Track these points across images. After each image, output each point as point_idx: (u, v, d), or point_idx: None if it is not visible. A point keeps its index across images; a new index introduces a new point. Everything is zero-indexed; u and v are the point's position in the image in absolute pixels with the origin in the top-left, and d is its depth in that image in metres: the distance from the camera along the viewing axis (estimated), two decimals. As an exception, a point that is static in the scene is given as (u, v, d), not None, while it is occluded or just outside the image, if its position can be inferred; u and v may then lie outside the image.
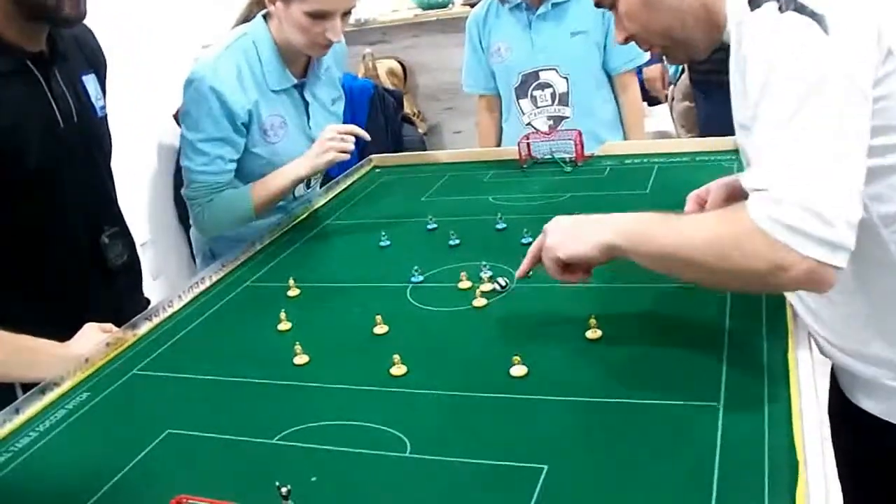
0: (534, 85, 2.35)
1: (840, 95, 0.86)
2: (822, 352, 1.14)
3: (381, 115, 3.75)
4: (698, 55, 1.19)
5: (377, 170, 2.28)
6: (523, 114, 2.38)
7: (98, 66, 1.66)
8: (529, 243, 1.52)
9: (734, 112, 1.07)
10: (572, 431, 0.99)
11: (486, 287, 1.38)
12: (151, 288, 3.02)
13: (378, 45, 4.29)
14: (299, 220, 1.93)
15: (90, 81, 1.60)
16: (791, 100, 0.87)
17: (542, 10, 2.29)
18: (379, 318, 1.31)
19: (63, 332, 1.36)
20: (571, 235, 1.11)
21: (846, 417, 1.17)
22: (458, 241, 1.62)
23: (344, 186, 2.15)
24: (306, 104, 1.90)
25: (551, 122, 2.35)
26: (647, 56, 1.23)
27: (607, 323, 1.20)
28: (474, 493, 0.90)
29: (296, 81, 1.86)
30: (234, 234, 1.88)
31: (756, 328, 1.14)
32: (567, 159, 2.04)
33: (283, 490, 0.88)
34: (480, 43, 2.41)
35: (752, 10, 0.93)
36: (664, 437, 0.95)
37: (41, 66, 1.46)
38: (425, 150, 3.74)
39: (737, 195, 1.15)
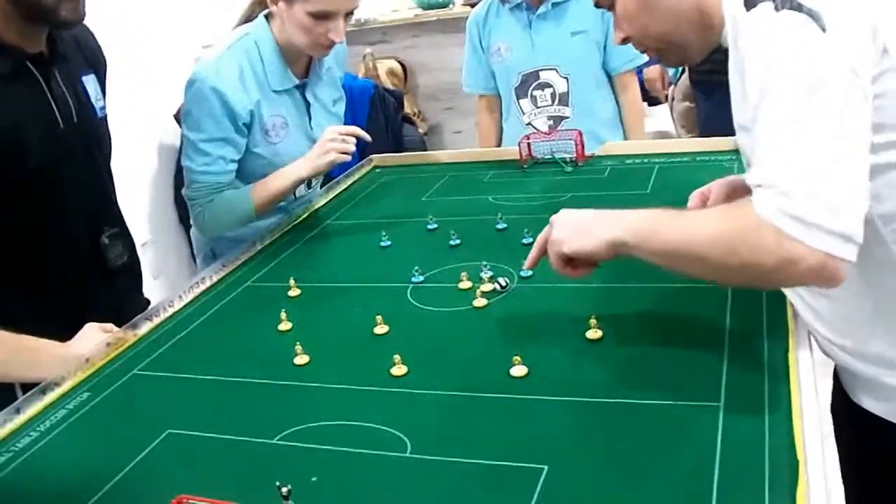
0: (534, 85, 2.35)
1: (840, 90, 0.86)
2: (822, 351, 1.14)
3: (382, 115, 3.75)
4: (693, 59, 1.20)
5: (377, 170, 2.28)
6: (523, 114, 2.38)
7: (98, 66, 1.66)
8: (530, 243, 1.53)
9: (734, 113, 1.07)
10: (572, 431, 0.99)
11: (487, 287, 1.38)
12: (152, 288, 3.02)
13: (378, 45, 4.29)
14: (300, 220, 1.93)
15: (90, 82, 1.60)
16: (792, 97, 0.87)
17: (542, 9, 2.29)
18: (379, 318, 1.31)
19: (63, 332, 1.36)
20: (577, 231, 1.11)
21: (848, 417, 1.17)
22: (458, 242, 1.62)
23: (344, 186, 2.15)
24: (308, 104, 1.90)
25: (551, 121, 2.35)
26: (647, 56, 1.23)
27: (608, 323, 1.20)
28: (475, 494, 0.90)
29: (297, 82, 1.86)
30: (234, 234, 1.88)
31: (756, 327, 1.14)
32: (567, 159, 2.04)
33: (284, 490, 0.88)
34: (480, 43, 2.41)
35: (747, 10, 0.93)
36: (664, 437, 0.95)
37: (41, 66, 1.46)
38: (426, 150, 3.74)
39: (738, 194, 1.15)
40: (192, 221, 1.92)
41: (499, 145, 2.48)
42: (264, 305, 1.47)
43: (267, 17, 1.82)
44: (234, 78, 1.76)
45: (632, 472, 0.90)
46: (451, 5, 4.16)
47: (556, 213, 1.19)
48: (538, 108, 2.36)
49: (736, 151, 1.73)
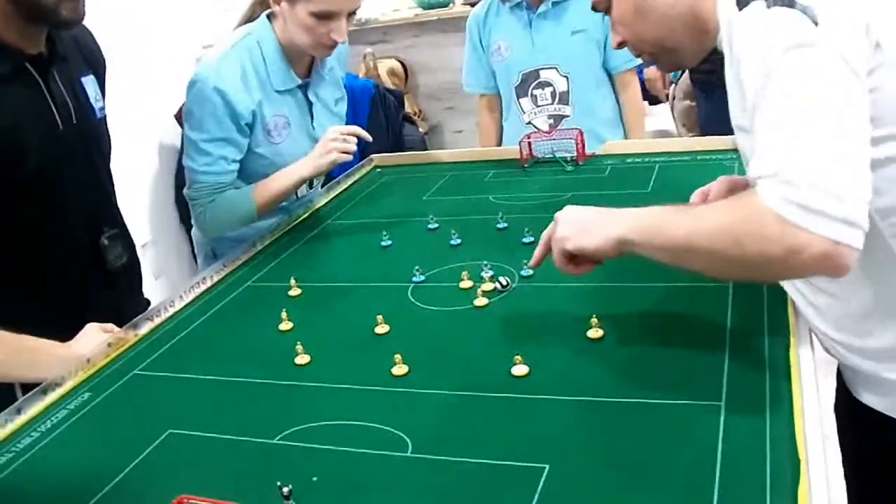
0: (534, 84, 2.34)
1: (837, 81, 0.86)
2: (824, 348, 1.14)
3: (382, 114, 3.75)
4: (687, 63, 1.20)
5: (378, 169, 2.28)
6: (523, 112, 2.38)
7: (97, 67, 1.66)
8: (531, 243, 1.54)
9: (732, 114, 1.07)
10: (574, 431, 0.99)
11: (488, 286, 1.38)
12: (153, 288, 3.02)
13: (379, 44, 4.29)
14: (300, 219, 1.93)
15: (89, 83, 1.60)
16: (789, 90, 0.87)
17: (542, 8, 2.29)
18: (380, 317, 1.31)
19: (63, 332, 1.35)
20: (581, 228, 1.11)
21: (851, 415, 1.17)
22: (459, 241, 1.62)
23: (345, 186, 2.15)
24: (310, 104, 1.90)
25: (551, 120, 2.35)
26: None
27: (609, 322, 1.20)
28: (476, 493, 0.90)
29: (300, 82, 1.86)
30: (236, 234, 1.88)
31: (758, 326, 1.14)
32: (568, 158, 2.04)
33: (285, 490, 0.88)
34: (481, 42, 2.41)
35: (740, 9, 0.94)
36: (666, 435, 0.95)
37: (40, 67, 1.46)
38: (426, 149, 3.74)
39: (740, 191, 1.15)
40: (192, 221, 1.92)
41: (499, 144, 2.48)
42: (265, 305, 1.47)
43: (269, 16, 1.82)
44: (237, 78, 1.76)
45: (633, 472, 0.90)
46: (451, 5, 4.16)
47: (557, 212, 1.19)
48: (538, 106, 2.36)
49: (737, 150, 1.72)
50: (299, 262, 1.67)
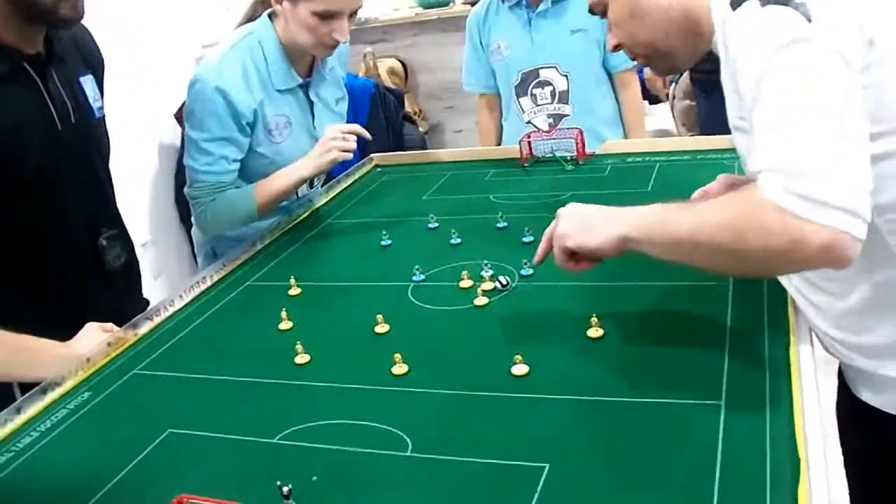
0: (534, 83, 2.34)
1: (834, 75, 0.87)
2: (824, 348, 1.14)
3: (382, 114, 3.75)
4: (680, 66, 1.21)
5: (378, 169, 2.28)
6: (523, 112, 2.38)
7: (96, 66, 1.66)
8: (531, 242, 1.54)
9: (729, 115, 1.07)
10: (574, 430, 0.99)
11: (488, 286, 1.38)
12: (152, 287, 3.02)
13: (379, 43, 4.29)
14: (300, 219, 1.93)
15: (87, 82, 1.60)
16: (787, 87, 0.87)
17: (541, 7, 2.28)
18: (380, 317, 1.31)
19: (62, 332, 1.35)
20: (582, 226, 1.11)
21: (852, 414, 1.17)
22: (459, 240, 1.62)
23: (345, 185, 2.15)
24: (311, 104, 1.90)
25: (551, 120, 2.35)
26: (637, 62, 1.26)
27: (609, 321, 1.20)
28: (476, 492, 0.90)
29: (301, 81, 1.86)
30: (236, 233, 1.88)
31: (757, 324, 1.14)
32: (568, 158, 2.04)
33: (285, 489, 0.88)
34: (480, 41, 2.41)
35: (733, 9, 0.94)
36: (665, 435, 0.95)
37: (38, 67, 1.46)
38: (426, 149, 3.74)
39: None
40: (193, 221, 1.92)
41: (499, 144, 2.48)
42: (265, 305, 1.46)
43: (270, 16, 1.82)
44: (238, 77, 1.76)
45: (633, 471, 0.90)
46: (451, 4, 4.16)
47: (559, 209, 1.18)
48: (538, 106, 2.36)
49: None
50: (299, 262, 1.67)
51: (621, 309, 1.25)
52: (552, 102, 2.34)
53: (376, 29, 4.25)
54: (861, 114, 0.87)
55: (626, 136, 2.38)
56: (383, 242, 1.67)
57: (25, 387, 1.25)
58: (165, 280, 3.32)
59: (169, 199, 3.44)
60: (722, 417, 0.95)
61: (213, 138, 1.76)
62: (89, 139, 1.58)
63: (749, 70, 0.91)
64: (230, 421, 1.10)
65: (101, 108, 1.64)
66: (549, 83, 2.34)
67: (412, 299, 1.41)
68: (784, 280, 1.16)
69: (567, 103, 2.33)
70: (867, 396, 1.11)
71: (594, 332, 1.18)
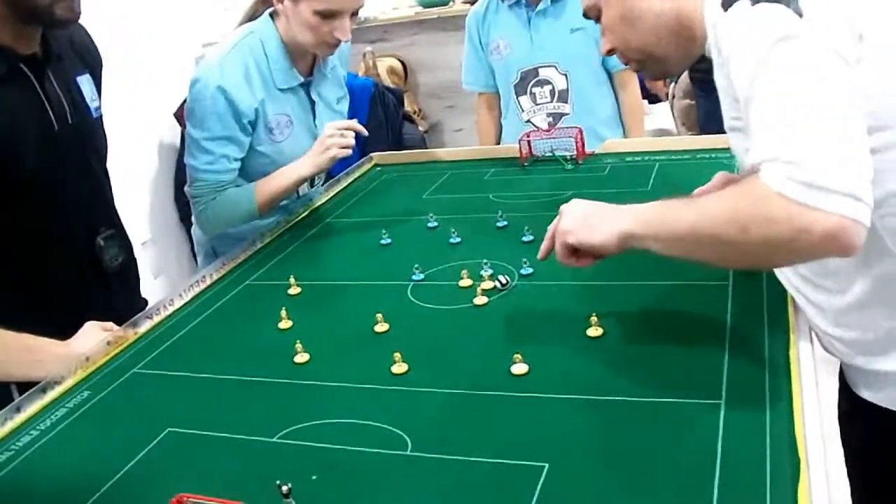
0: (533, 82, 2.34)
1: (828, 68, 0.87)
2: (823, 347, 1.14)
3: (382, 113, 3.75)
4: (673, 71, 1.21)
5: (378, 168, 2.28)
6: (522, 111, 2.38)
7: (93, 65, 1.65)
8: (530, 241, 1.54)
9: (724, 116, 1.07)
10: (573, 429, 0.99)
11: (487, 285, 1.38)
12: (152, 287, 3.02)
13: (378, 43, 4.28)
14: (300, 218, 1.93)
15: (85, 82, 1.59)
16: (782, 81, 0.88)
17: (541, 6, 2.29)
18: (380, 316, 1.31)
19: (61, 333, 1.35)
20: (585, 223, 1.11)
21: (853, 412, 1.17)
22: (458, 240, 1.62)
23: (345, 184, 2.15)
24: (312, 103, 1.90)
25: (550, 119, 2.35)
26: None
27: (608, 320, 1.20)
28: (475, 492, 0.90)
29: (302, 80, 1.86)
30: (236, 232, 1.87)
31: (757, 323, 1.14)
32: (568, 157, 2.04)
33: (284, 488, 0.88)
34: (480, 40, 2.41)
35: (725, 10, 0.95)
36: (665, 434, 0.95)
37: (35, 67, 1.45)
38: (426, 148, 3.74)
39: None
40: (193, 219, 1.92)
41: (498, 143, 2.48)
42: (264, 304, 1.46)
43: (271, 15, 1.82)
44: (239, 76, 1.76)
45: (633, 470, 0.90)
46: (451, 3, 4.15)
47: (556, 211, 1.19)
48: (537, 105, 2.36)
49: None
50: (299, 261, 1.67)
51: (621, 308, 1.25)
52: (551, 101, 2.34)
53: (376, 28, 4.25)
54: (857, 105, 0.87)
55: (625, 136, 2.38)
56: (383, 241, 1.67)
57: (24, 387, 1.24)
58: (165, 279, 3.32)
59: (169, 197, 3.44)
60: (722, 416, 0.95)
61: (214, 137, 1.76)
62: (86, 139, 1.57)
63: (743, 68, 0.91)
64: (230, 420, 1.10)
65: (99, 107, 1.63)
66: (548, 82, 2.33)
67: (412, 298, 1.41)
68: (783, 279, 1.16)
69: (566, 102, 2.34)
70: (867, 394, 1.11)
71: (594, 331, 1.18)
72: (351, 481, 0.95)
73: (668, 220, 0.99)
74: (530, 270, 1.42)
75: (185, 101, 1.89)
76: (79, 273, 1.56)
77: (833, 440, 1.23)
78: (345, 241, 1.77)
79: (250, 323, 1.41)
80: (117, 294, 1.64)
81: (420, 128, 4.15)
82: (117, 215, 1.70)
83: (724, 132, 1.67)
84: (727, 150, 1.88)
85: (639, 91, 2.48)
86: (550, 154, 2.07)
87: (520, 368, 1.12)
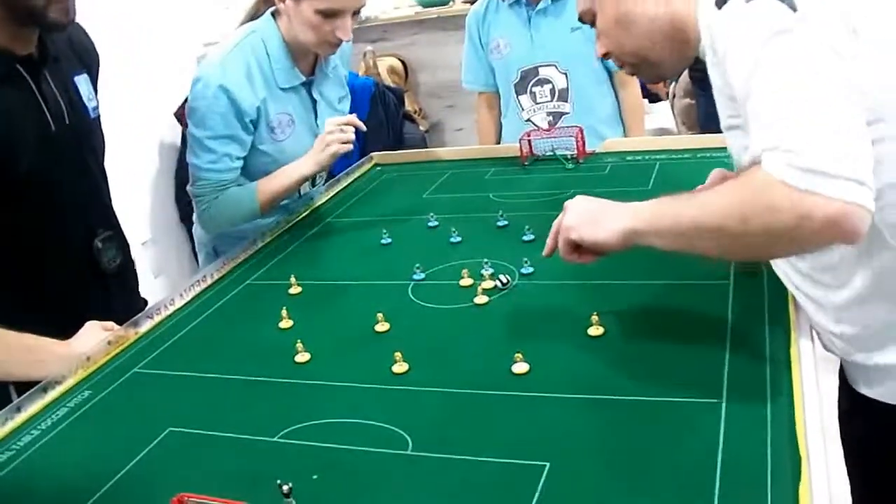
0: (533, 81, 2.34)
1: (824, 59, 0.88)
2: (824, 346, 1.14)
3: (383, 112, 3.75)
4: (667, 75, 1.23)
5: (378, 167, 2.28)
6: (522, 110, 2.38)
7: (90, 64, 1.65)
8: (531, 240, 1.54)
9: (720, 114, 1.07)
10: (574, 428, 0.99)
11: (488, 284, 1.38)
12: (152, 286, 3.02)
13: (379, 42, 4.28)
14: (300, 217, 1.93)
15: (82, 82, 1.59)
16: (779, 73, 0.88)
17: (541, 5, 2.28)
18: (380, 315, 1.31)
19: (60, 334, 1.35)
20: (589, 220, 1.11)
21: (852, 410, 1.17)
22: (459, 239, 1.62)
23: (345, 184, 2.15)
24: (314, 102, 1.90)
25: (550, 118, 2.35)
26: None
27: (609, 319, 1.20)
28: (476, 491, 0.90)
29: (304, 79, 1.86)
30: (237, 231, 1.87)
31: (758, 321, 1.14)
32: (568, 156, 2.04)
33: (285, 488, 0.88)
34: (480, 39, 2.41)
35: (719, 8, 0.95)
36: (666, 432, 0.95)
37: (31, 68, 1.45)
38: (426, 147, 3.74)
39: None
40: (195, 218, 1.92)
41: (498, 142, 2.48)
42: (265, 303, 1.46)
43: (273, 14, 1.82)
44: (241, 75, 1.76)
45: (634, 469, 0.90)
46: (451, 3, 4.15)
47: (557, 210, 1.19)
48: (537, 104, 2.36)
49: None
50: (299, 260, 1.67)
51: (622, 307, 1.25)
52: (552, 100, 2.34)
53: (376, 27, 4.25)
54: (853, 97, 0.87)
55: (625, 135, 2.38)
56: (383, 241, 1.67)
57: (22, 387, 1.24)
58: (165, 279, 3.32)
59: (169, 197, 3.44)
60: (723, 415, 0.95)
61: (216, 136, 1.76)
62: (84, 140, 1.57)
63: (739, 64, 0.92)
64: (230, 419, 1.10)
65: (96, 107, 1.63)
66: (548, 81, 2.33)
67: (412, 298, 1.41)
68: (783, 277, 1.16)
69: (566, 101, 2.33)
70: (867, 391, 1.11)
71: (595, 330, 1.18)
72: (352, 481, 0.95)
73: (670, 214, 0.99)
74: (531, 270, 1.42)
75: (185, 100, 1.89)
76: (77, 274, 1.56)
77: (834, 438, 1.23)
78: (345, 241, 1.77)
79: (251, 322, 1.41)
80: (116, 295, 1.64)
81: (420, 127, 4.15)
82: (115, 216, 1.69)
83: (724, 131, 1.66)
84: (727, 149, 1.89)
85: (639, 90, 2.47)
86: (551, 153, 2.07)
87: (521, 368, 1.12)
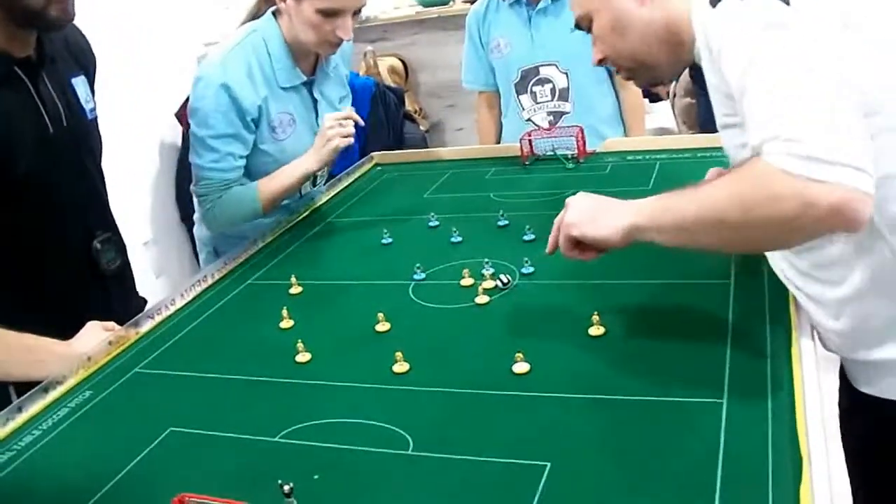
0: (533, 80, 2.34)
1: (818, 50, 0.88)
2: (824, 345, 1.14)
3: (383, 112, 3.74)
4: (664, 78, 1.24)
5: (379, 167, 2.28)
6: (523, 109, 2.38)
7: (87, 66, 1.64)
8: (532, 240, 1.54)
9: (715, 112, 1.07)
10: (575, 428, 0.99)
11: (489, 284, 1.38)
12: (153, 286, 3.02)
13: (379, 42, 4.28)
14: (301, 217, 1.93)
15: (80, 83, 1.59)
16: (775, 67, 0.88)
17: (541, 5, 2.28)
18: (381, 315, 1.31)
19: (60, 334, 1.35)
20: (590, 217, 1.11)
21: (853, 408, 1.18)
22: (460, 239, 1.62)
23: (346, 184, 2.15)
24: (315, 102, 1.90)
25: (551, 117, 2.34)
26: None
27: (610, 319, 1.20)
28: (477, 491, 0.90)
29: (305, 79, 1.86)
30: (238, 231, 1.87)
31: (759, 321, 1.14)
32: (569, 156, 2.04)
33: (286, 488, 0.88)
34: (480, 38, 2.41)
35: (713, 6, 0.96)
36: (667, 432, 0.95)
37: (29, 70, 1.45)
38: (427, 147, 3.74)
39: None
40: (199, 217, 1.92)
41: (498, 141, 2.48)
42: (266, 303, 1.46)
43: (274, 13, 1.82)
44: (242, 74, 1.76)
45: (635, 468, 0.90)
46: (451, 2, 4.15)
47: (557, 210, 1.19)
48: (538, 103, 2.36)
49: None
50: (300, 260, 1.67)
51: (622, 306, 1.25)
52: (552, 100, 2.34)
53: (376, 27, 4.25)
54: (849, 90, 0.88)
55: (626, 134, 2.38)
56: (384, 241, 1.67)
57: (21, 387, 1.24)
58: (166, 279, 3.32)
59: (170, 197, 3.44)
60: (724, 414, 0.95)
61: (218, 135, 1.76)
62: (81, 141, 1.57)
63: (735, 61, 0.92)
64: (231, 419, 1.10)
65: (94, 109, 1.63)
66: (548, 81, 2.33)
67: (413, 298, 1.41)
68: (783, 278, 1.16)
69: (567, 101, 2.33)
70: (867, 389, 1.12)
71: (595, 329, 1.18)
72: (352, 481, 0.95)
73: (671, 209, 0.99)
74: (532, 269, 1.41)
75: (186, 100, 1.89)
76: (76, 275, 1.56)
77: (834, 437, 1.23)
78: (346, 241, 1.77)
79: (252, 322, 1.41)
80: (115, 295, 1.64)
81: (421, 127, 4.15)
82: (113, 218, 1.69)
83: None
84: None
85: (639, 89, 2.47)
86: (551, 153, 2.07)
87: (521, 367, 1.12)
